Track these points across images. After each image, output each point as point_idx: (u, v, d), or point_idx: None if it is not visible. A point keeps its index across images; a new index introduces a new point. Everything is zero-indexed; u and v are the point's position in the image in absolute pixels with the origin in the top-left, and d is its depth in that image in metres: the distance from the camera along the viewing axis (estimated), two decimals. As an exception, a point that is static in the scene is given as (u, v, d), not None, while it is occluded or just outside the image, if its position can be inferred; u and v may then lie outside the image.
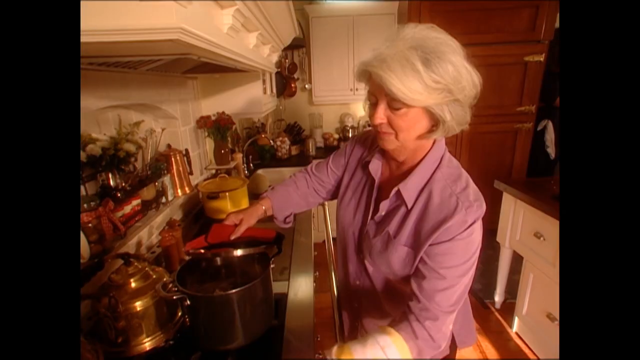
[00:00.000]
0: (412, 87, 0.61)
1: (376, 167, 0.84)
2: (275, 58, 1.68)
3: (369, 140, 0.93)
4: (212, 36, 0.63)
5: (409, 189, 0.75)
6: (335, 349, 0.66)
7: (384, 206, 0.79)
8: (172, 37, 0.47)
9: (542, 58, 2.68)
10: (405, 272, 0.76)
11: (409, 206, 0.75)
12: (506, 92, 2.81)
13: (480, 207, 0.69)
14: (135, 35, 0.47)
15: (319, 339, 1.01)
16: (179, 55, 0.70)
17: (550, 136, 3.23)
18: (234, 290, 0.78)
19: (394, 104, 0.66)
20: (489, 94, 2.80)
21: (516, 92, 2.80)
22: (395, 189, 0.76)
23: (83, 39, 0.47)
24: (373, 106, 0.71)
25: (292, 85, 3.23)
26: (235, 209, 1.49)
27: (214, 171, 1.98)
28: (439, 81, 0.62)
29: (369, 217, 0.83)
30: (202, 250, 0.86)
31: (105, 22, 0.46)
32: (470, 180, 0.75)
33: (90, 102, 1.00)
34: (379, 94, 0.68)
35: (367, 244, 0.83)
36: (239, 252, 0.83)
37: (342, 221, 0.92)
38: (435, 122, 0.69)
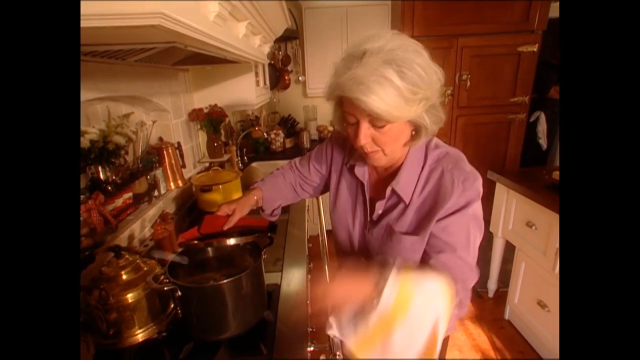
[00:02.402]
0: (394, 104, 0.60)
1: (362, 171, 0.85)
2: (266, 49, 1.66)
3: (347, 140, 0.92)
4: (197, 24, 0.62)
5: (402, 185, 0.76)
6: (394, 276, 0.61)
7: (381, 206, 0.80)
8: (153, 23, 0.46)
9: (535, 48, 2.68)
10: (412, 260, 0.77)
11: (407, 201, 0.76)
12: (500, 83, 2.81)
13: (476, 178, 0.71)
14: (115, 21, 0.45)
15: (314, 329, 1.02)
16: (165, 43, 0.69)
17: (542, 127, 3.24)
18: (225, 281, 0.78)
19: (377, 122, 0.65)
20: (482, 85, 2.81)
21: (510, 83, 2.80)
22: (389, 188, 0.77)
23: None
24: (351, 125, 0.70)
25: (286, 77, 3.20)
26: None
27: (207, 164, 1.97)
28: (416, 92, 0.62)
29: (368, 217, 0.85)
30: (195, 242, 0.86)
31: (84, 7, 0.44)
32: (461, 155, 0.76)
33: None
34: (359, 114, 0.66)
35: (372, 242, 0.84)
36: (232, 241, 0.83)
37: (341, 223, 0.92)
38: (414, 128, 0.71)
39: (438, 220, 0.71)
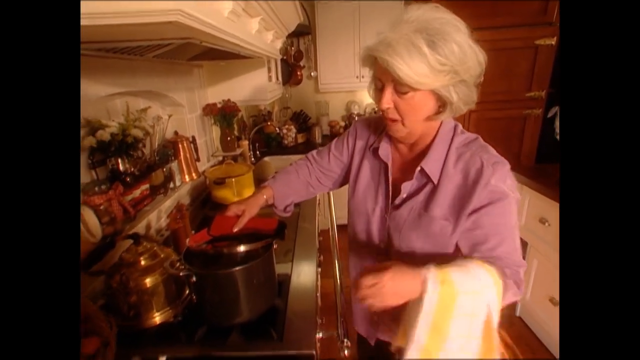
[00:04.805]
0: (418, 70, 0.61)
1: (386, 152, 0.83)
2: (279, 44, 1.68)
3: (372, 125, 0.92)
4: (212, 20, 0.64)
5: (431, 166, 0.75)
6: (434, 271, 0.61)
7: (407, 187, 0.79)
8: (171, 20, 0.49)
9: (553, 41, 2.59)
10: (440, 244, 0.76)
11: (435, 182, 0.75)
12: (515, 77, 2.74)
13: (505, 162, 0.71)
14: (135, 18, 0.48)
15: (323, 321, 1.03)
16: (182, 39, 0.71)
17: (559, 123, 3.16)
18: (237, 268, 0.81)
19: (401, 87, 0.66)
20: (497, 79, 2.75)
21: (526, 77, 2.73)
22: (418, 168, 0.76)
23: (83, 22, 0.49)
24: (379, 91, 0.71)
25: (298, 73, 3.21)
26: (239, 197, 1.52)
27: (220, 158, 2.01)
28: (445, 63, 0.62)
29: (390, 200, 0.83)
30: (205, 245, 0.86)
31: (105, 4, 0.47)
32: (486, 144, 0.76)
33: (98, 89, 1.03)
34: (385, 78, 0.67)
35: (393, 226, 0.82)
36: (242, 248, 0.83)
37: (359, 209, 0.90)
38: (442, 103, 0.69)
39: (476, 210, 0.70)
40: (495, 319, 0.64)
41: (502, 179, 0.69)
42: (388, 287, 0.59)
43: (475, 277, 0.62)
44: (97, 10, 0.49)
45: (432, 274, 0.60)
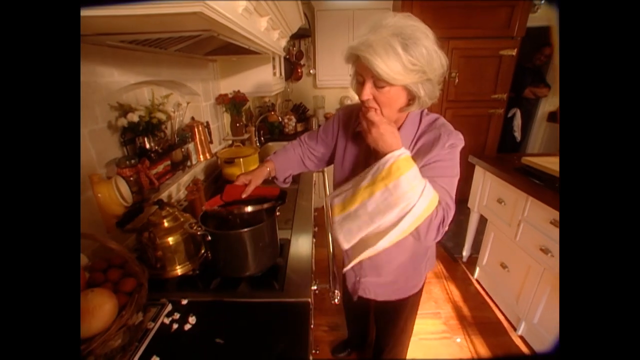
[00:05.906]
0: (394, 68, 0.63)
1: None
2: (283, 43, 1.65)
3: (354, 113, 0.92)
4: (229, 14, 0.63)
5: (403, 141, 0.77)
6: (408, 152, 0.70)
7: None
8: (196, 10, 0.48)
9: (514, 53, 2.62)
10: None
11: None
12: (483, 81, 2.76)
13: (459, 134, 0.76)
14: (163, 8, 0.48)
15: (317, 282, 1.04)
16: (202, 31, 0.70)
17: (517, 122, 3.20)
18: (245, 229, 0.82)
19: (379, 82, 0.68)
20: (468, 82, 2.76)
21: (491, 82, 2.75)
22: None
23: (120, 12, 0.48)
24: (360, 85, 0.72)
25: (299, 70, 3.16)
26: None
27: (230, 141, 2.00)
28: (415, 63, 0.64)
29: None
30: (218, 208, 0.88)
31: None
32: (447, 122, 0.80)
33: (128, 77, 1.02)
34: (366, 74, 0.69)
35: None
36: (249, 209, 0.85)
37: (345, 178, 0.90)
38: (411, 98, 0.72)
39: (431, 162, 0.75)
40: (407, 224, 0.68)
41: (454, 143, 0.74)
42: (382, 128, 0.69)
43: (421, 183, 0.67)
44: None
45: (399, 151, 0.68)
